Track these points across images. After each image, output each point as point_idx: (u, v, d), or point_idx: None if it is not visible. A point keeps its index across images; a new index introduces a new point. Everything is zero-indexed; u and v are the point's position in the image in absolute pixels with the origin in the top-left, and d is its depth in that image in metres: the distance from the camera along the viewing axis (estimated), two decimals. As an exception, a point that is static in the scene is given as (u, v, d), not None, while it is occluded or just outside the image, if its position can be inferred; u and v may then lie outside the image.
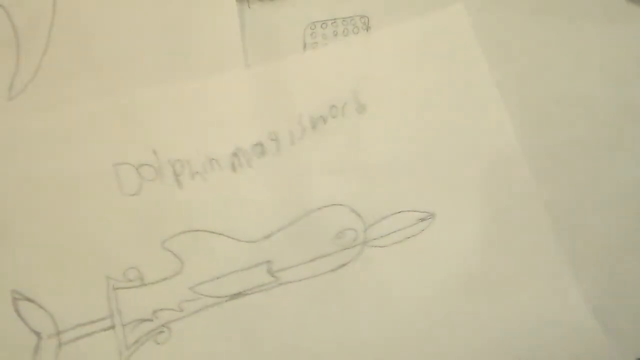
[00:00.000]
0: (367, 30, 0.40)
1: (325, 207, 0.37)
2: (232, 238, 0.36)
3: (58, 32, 0.38)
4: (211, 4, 0.39)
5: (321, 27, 0.40)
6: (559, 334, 0.36)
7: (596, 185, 0.38)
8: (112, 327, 0.35)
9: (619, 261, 0.37)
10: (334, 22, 0.40)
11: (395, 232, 0.37)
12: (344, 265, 0.36)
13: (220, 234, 0.36)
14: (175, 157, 0.37)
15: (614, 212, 0.37)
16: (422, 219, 0.37)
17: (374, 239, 0.37)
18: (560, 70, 0.39)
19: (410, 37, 0.39)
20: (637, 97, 0.39)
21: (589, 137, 0.38)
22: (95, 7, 0.38)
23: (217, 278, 0.36)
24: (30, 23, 0.38)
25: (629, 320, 0.36)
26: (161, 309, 0.35)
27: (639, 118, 0.39)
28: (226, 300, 0.36)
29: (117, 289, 0.35)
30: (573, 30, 0.40)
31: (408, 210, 0.37)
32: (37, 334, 0.35)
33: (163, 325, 0.35)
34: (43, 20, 0.38)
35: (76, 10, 0.38)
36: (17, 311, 0.35)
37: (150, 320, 0.35)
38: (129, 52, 0.38)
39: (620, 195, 0.38)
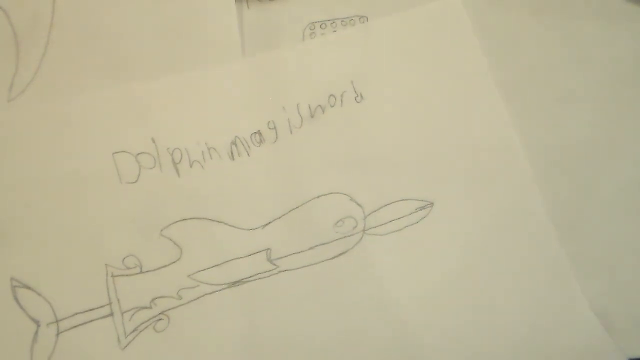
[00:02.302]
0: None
1: (324, 195, 0.37)
2: (231, 226, 0.36)
3: (58, 32, 0.38)
4: None
5: (320, 27, 0.40)
6: (558, 325, 0.36)
7: (596, 185, 0.38)
8: (111, 314, 0.35)
9: (618, 261, 0.36)
10: (333, 22, 0.40)
11: (394, 220, 0.37)
12: (343, 253, 0.36)
13: (219, 221, 0.36)
14: (174, 146, 0.37)
15: (613, 211, 0.37)
16: (421, 208, 0.37)
17: (373, 227, 0.37)
18: (560, 70, 0.39)
19: (408, 27, 0.39)
20: (637, 97, 0.39)
21: (589, 137, 0.38)
22: (95, 7, 0.39)
23: (216, 266, 0.36)
24: (30, 24, 0.38)
25: (628, 320, 0.35)
26: (160, 297, 0.35)
27: (639, 118, 0.39)
28: (225, 288, 0.36)
29: (116, 276, 0.35)
30: (573, 30, 0.40)
31: (407, 199, 0.37)
32: (36, 321, 0.34)
33: (162, 313, 0.35)
34: (43, 20, 0.39)
35: (76, 10, 0.39)
36: (16, 299, 0.35)
37: (149, 307, 0.35)
38: (129, 51, 0.38)
39: (620, 195, 0.37)
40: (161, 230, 0.36)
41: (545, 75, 0.39)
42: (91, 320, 0.35)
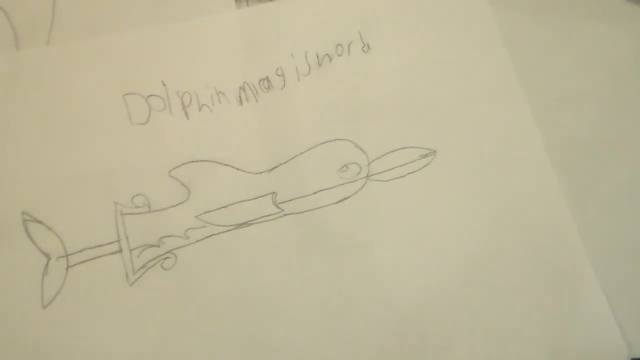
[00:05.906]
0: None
1: (329, 141, 0.38)
2: (238, 169, 0.37)
3: (58, 32, 0.39)
4: None
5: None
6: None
7: (596, 185, 0.38)
8: (120, 251, 0.35)
9: (618, 260, 0.37)
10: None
11: (397, 167, 0.38)
12: (346, 198, 0.37)
13: (226, 165, 0.37)
14: (184, 90, 0.38)
15: (614, 211, 0.37)
16: (424, 156, 0.38)
17: (377, 174, 0.38)
18: (561, 70, 0.40)
19: None
20: (637, 97, 0.39)
21: (589, 136, 0.39)
22: (95, 7, 0.39)
23: (223, 207, 0.37)
24: (30, 24, 0.39)
25: (628, 319, 0.35)
26: (168, 236, 0.36)
27: (639, 118, 0.39)
28: (231, 229, 0.36)
29: (125, 214, 0.36)
30: (573, 30, 0.41)
31: (410, 147, 0.38)
32: (46, 255, 0.35)
33: (169, 252, 0.36)
34: (43, 20, 0.39)
35: (76, 10, 0.39)
36: (27, 232, 0.35)
37: (157, 246, 0.36)
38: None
39: (620, 195, 0.38)
40: (169, 171, 0.37)
41: (545, 75, 0.40)
42: (100, 256, 0.35)
